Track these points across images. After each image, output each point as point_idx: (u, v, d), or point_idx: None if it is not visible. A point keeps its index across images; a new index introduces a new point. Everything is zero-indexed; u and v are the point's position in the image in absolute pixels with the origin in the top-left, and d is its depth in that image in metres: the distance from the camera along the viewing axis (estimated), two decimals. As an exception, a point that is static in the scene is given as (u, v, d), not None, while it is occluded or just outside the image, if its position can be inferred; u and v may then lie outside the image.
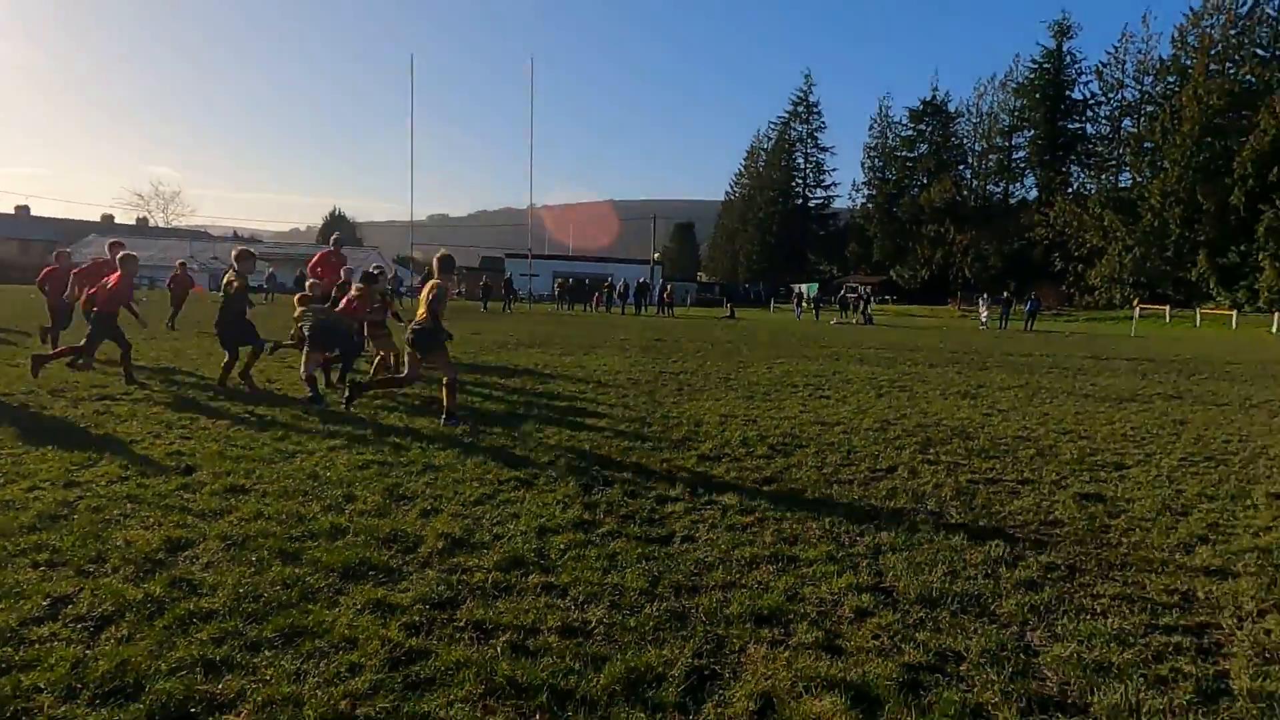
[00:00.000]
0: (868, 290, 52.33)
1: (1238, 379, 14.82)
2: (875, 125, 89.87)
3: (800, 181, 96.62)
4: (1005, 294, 41.79)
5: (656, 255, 72.24)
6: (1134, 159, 62.88)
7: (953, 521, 4.94)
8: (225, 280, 8.71)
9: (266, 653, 2.88)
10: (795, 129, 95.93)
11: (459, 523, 4.50)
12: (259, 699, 2.55)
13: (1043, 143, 74.08)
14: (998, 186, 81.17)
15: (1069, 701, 2.78)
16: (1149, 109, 64.18)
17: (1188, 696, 2.82)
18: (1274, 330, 40.18)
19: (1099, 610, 3.60)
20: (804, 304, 47.94)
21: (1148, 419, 9.27)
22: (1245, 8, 57.19)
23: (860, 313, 40.81)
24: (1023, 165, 78.04)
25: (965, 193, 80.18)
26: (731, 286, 76.00)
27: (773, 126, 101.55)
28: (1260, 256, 50.50)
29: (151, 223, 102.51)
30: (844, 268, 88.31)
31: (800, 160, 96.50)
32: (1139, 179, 61.62)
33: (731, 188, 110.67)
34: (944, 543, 4.48)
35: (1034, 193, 76.24)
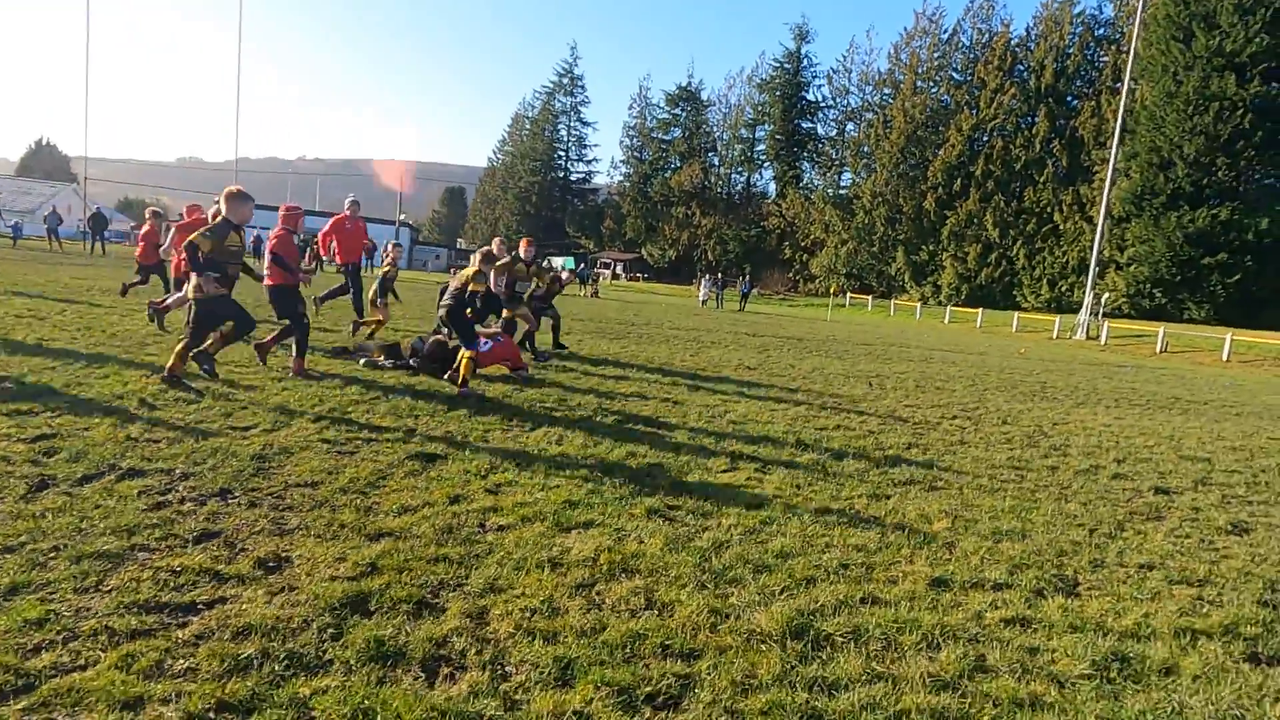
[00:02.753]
0: (600, 267, 54.94)
1: (858, 357, 16.71)
2: (635, 105, 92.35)
3: (563, 154, 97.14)
4: (720, 276, 45.34)
5: (403, 216, 69.33)
6: (853, 161, 69.56)
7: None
8: (463, 280, 8.47)
9: None
10: (560, 100, 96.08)
11: None
12: None
13: (780, 138, 79.54)
14: (741, 175, 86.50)
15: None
16: (868, 116, 71.05)
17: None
18: (945, 321, 46.34)
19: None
20: (542, 275, 49.25)
21: (744, 394, 10.05)
22: (946, 35, 65.01)
23: (593, 285, 42.66)
24: (763, 158, 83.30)
25: (712, 179, 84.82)
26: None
27: (538, 95, 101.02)
28: (943, 256, 58.21)
29: None
30: (600, 243, 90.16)
31: (564, 133, 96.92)
32: (856, 179, 68.37)
33: (495, 154, 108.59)
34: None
35: (772, 185, 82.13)
